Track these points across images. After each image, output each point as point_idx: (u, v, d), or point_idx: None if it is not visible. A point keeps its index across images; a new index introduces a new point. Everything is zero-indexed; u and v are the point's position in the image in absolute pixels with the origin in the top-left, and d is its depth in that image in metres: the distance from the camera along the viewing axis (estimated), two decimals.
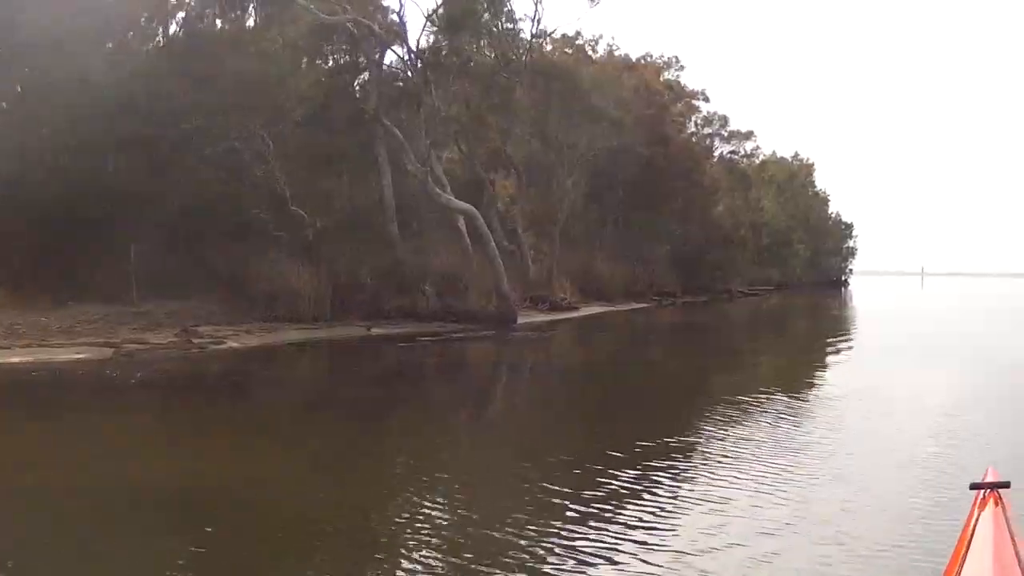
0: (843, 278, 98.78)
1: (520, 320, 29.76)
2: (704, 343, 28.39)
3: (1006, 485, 3.83)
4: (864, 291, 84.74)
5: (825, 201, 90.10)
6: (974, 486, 3.90)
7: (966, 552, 3.24)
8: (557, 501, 7.84)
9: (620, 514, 7.40)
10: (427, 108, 28.01)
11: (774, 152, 79.27)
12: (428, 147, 28.11)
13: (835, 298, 68.97)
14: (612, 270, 41.14)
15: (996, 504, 3.60)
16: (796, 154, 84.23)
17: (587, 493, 8.01)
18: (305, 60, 30.01)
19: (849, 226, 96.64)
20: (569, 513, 7.44)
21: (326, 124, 28.07)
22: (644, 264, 44.24)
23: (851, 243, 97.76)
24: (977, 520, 3.50)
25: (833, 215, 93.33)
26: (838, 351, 23.87)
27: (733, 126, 66.53)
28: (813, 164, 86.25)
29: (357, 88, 31.30)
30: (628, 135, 38.35)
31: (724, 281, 53.57)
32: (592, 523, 7.12)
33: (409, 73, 30.22)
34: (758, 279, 64.41)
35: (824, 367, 20.81)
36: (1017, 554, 3.19)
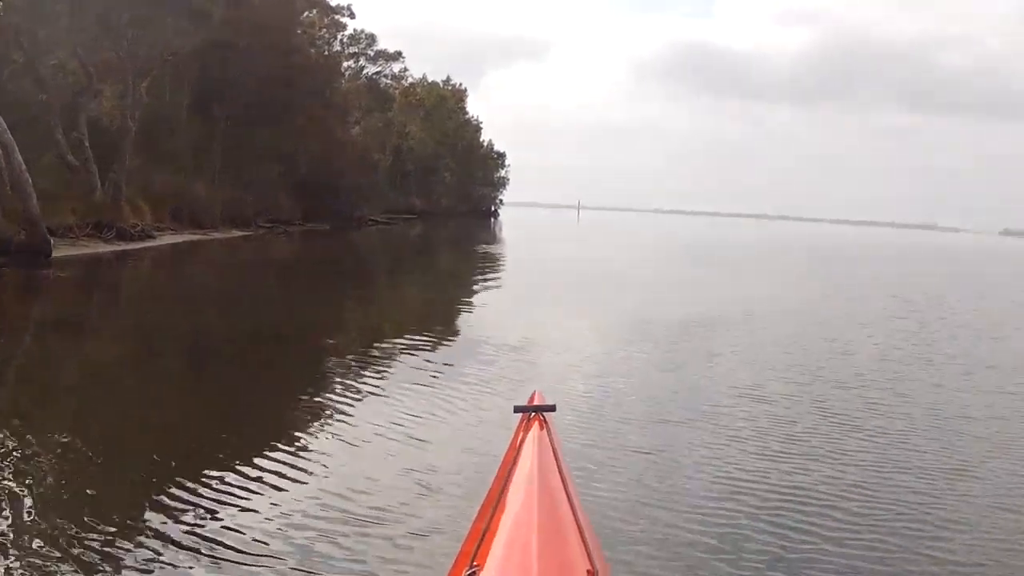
0: (493, 208, 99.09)
1: (72, 252, 24.61)
2: (301, 282, 24.95)
3: (551, 408, 3.85)
4: (517, 223, 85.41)
5: (477, 129, 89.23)
6: (518, 409, 3.88)
7: (512, 468, 3.27)
8: None
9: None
10: None
11: (424, 76, 76.84)
12: None
13: (481, 229, 68.31)
14: (213, 193, 36.38)
15: (541, 427, 3.62)
16: (448, 79, 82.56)
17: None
18: None
19: (501, 156, 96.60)
20: None
21: None
22: (255, 187, 39.72)
23: (503, 173, 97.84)
24: (523, 441, 3.55)
25: (485, 143, 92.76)
26: (466, 294, 21.48)
27: (381, 46, 63.50)
28: (465, 90, 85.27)
29: None
30: (224, 36, 33.52)
31: (354, 208, 50.10)
32: None
33: None
34: (398, 207, 61.93)
35: (435, 312, 18.29)
36: (559, 469, 3.29)
